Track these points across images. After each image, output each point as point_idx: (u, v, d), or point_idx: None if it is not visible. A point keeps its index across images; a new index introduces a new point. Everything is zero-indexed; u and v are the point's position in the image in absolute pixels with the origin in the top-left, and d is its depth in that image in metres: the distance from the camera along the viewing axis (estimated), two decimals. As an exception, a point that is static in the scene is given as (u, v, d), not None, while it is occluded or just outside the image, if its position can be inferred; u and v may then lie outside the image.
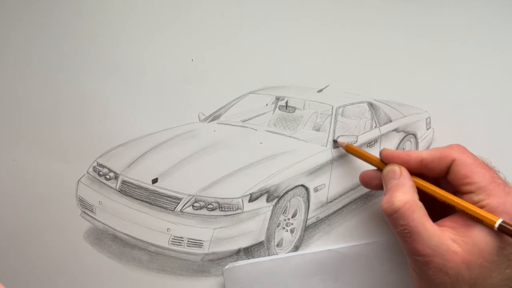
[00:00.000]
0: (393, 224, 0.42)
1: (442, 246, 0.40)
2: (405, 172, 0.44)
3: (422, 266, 0.41)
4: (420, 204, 0.42)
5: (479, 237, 0.40)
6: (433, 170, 0.45)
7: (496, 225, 0.39)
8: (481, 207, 0.41)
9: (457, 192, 0.44)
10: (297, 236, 0.52)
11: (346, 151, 0.51)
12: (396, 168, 0.45)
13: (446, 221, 0.43)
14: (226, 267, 0.50)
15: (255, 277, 0.50)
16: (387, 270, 0.51)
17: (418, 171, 0.45)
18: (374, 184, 0.48)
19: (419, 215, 0.41)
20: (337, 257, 0.51)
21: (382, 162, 0.47)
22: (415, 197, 0.42)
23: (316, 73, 0.52)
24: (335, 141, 0.52)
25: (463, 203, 0.42)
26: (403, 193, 0.42)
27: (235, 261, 0.51)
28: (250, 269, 0.50)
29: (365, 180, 0.49)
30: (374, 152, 0.52)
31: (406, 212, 0.41)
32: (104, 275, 0.52)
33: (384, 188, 0.45)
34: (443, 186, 0.45)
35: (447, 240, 0.40)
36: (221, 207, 0.50)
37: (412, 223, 0.40)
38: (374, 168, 0.48)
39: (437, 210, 0.44)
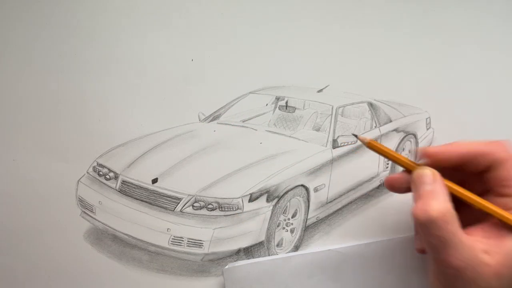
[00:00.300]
0: (426, 234, 0.39)
1: (475, 260, 0.38)
2: (439, 177, 0.41)
3: (451, 278, 0.39)
4: (454, 214, 0.39)
5: None
6: (470, 168, 0.41)
7: None
8: None
9: (488, 191, 0.42)
10: (297, 236, 0.52)
11: (368, 148, 0.44)
12: (428, 172, 0.41)
13: (478, 230, 0.40)
14: (226, 267, 0.50)
15: (255, 277, 0.50)
16: (387, 270, 0.51)
17: (452, 169, 0.42)
18: (404, 188, 0.43)
19: (454, 227, 0.38)
20: (337, 257, 0.51)
21: (412, 164, 0.42)
22: (450, 206, 0.39)
23: (316, 73, 0.52)
24: (334, 142, 0.52)
25: (506, 214, 0.39)
26: (439, 203, 0.39)
27: (235, 261, 0.51)
28: (250, 269, 0.50)
29: (392, 185, 0.44)
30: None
31: (442, 224, 0.38)
32: (104, 275, 0.52)
33: (414, 193, 0.41)
34: (466, 181, 0.42)
35: (480, 252, 0.38)
36: (221, 207, 0.50)
37: (447, 235, 0.38)
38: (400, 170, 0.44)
39: (464, 212, 0.41)
